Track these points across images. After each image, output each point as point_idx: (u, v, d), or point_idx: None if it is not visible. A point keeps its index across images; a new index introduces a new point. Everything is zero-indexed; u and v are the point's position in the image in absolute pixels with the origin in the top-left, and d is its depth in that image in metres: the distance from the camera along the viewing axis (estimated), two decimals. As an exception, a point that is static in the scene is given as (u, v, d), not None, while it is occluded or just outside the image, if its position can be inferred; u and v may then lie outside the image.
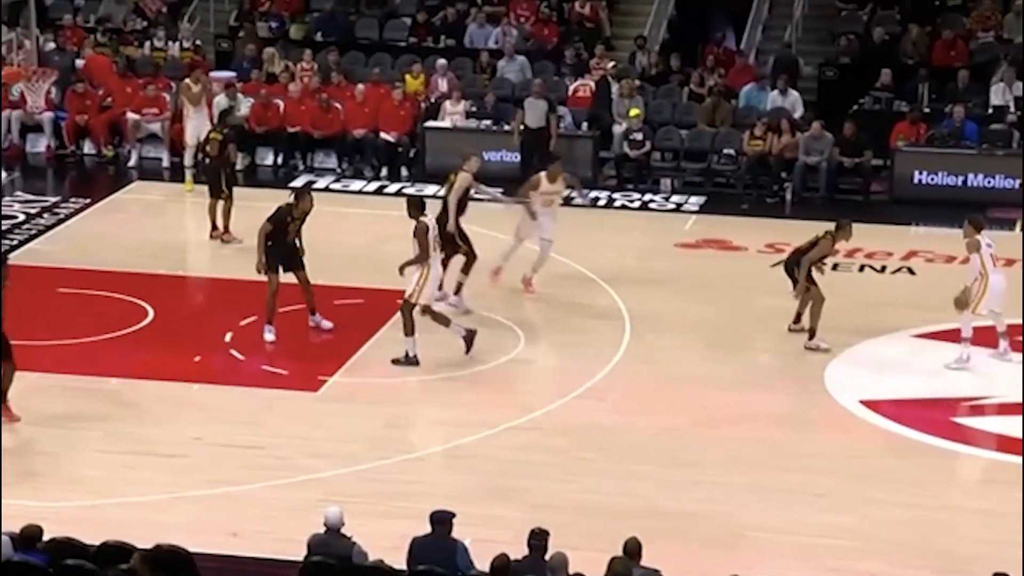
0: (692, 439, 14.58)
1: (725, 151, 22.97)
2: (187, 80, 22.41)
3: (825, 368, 16.03)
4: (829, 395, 15.48)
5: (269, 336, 16.60)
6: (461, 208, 17.39)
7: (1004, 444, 14.42)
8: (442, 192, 17.94)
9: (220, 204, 19.60)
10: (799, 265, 16.48)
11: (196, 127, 21.66)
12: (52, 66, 24.12)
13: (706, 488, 13.54)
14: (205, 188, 19.99)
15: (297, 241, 16.66)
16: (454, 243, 17.12)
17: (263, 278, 16.54)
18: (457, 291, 17.37)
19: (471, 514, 12.13)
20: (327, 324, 16.88)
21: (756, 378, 16.00)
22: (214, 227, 19.65)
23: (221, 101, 22.71)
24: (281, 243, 16.51)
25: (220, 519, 12.83)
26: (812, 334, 16.45)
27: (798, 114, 23.36)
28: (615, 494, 13.42)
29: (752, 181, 22.58)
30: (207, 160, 20.01)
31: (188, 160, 21.99)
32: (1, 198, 21.38)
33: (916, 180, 22.25)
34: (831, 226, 16.69)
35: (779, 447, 14.24)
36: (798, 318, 16.73)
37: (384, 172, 23.18)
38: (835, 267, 19.22)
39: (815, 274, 16.54)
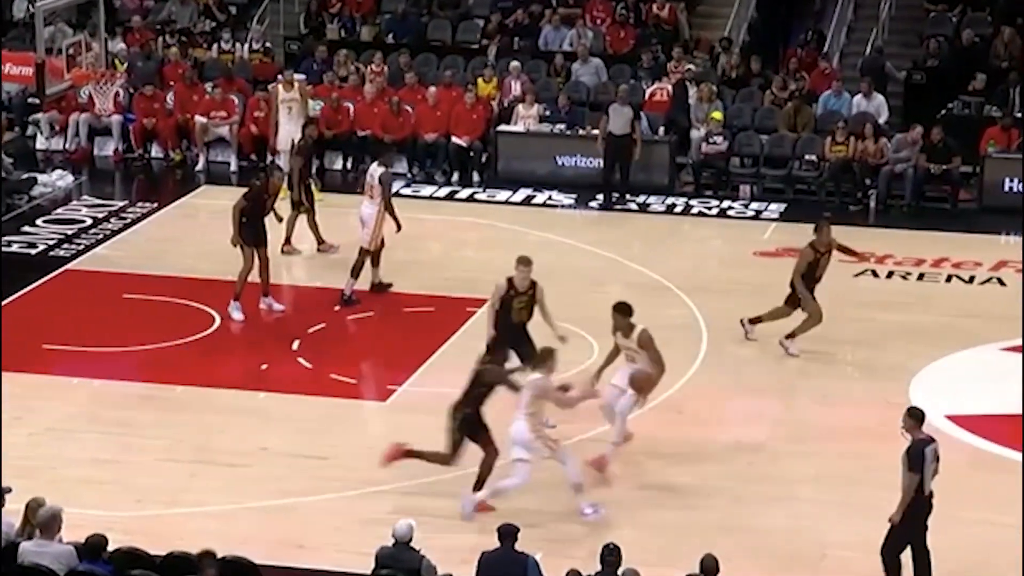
0: (771, 453, 14.50)
1: (807, 157, 22.83)
2: (277, 85, 22.27)
3: (910, 382, 15.90)
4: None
5: (237, 315, 17.25)
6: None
7: (1097, 462, 14.23)
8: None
9: (302, 216, 19.53)
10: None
11: (289, 132, 21.32)
12: (138, 71, 24.40)
13: (785, 504, 13.47)
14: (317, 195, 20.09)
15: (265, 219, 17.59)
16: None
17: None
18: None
19: (543, 528, 12.15)
20: (278, 307, 17.60)
21: (839, 391, 15.89)
22: (287, 240, 19.59)
23: (314, 107, 22.68)
24: (255, 220, 17.35)
25: (286, 530, 12.90)
26: (792, 335, 16.49)
27: (883, 119, 23.17)
28: (691, 509, 13.37)
29: (835, 188, 22.44)
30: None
31: (284, 166, 21.81)
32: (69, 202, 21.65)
33: (1007, 188, 22.00)
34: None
35: (862, 463, 14.12)
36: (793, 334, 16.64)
37: (455, 177, 23.21)
38: (921, 277, 19.09)
39: (800, 287, 16.46)
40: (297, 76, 22.89)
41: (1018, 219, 21.15)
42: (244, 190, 18.13)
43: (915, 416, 11.84)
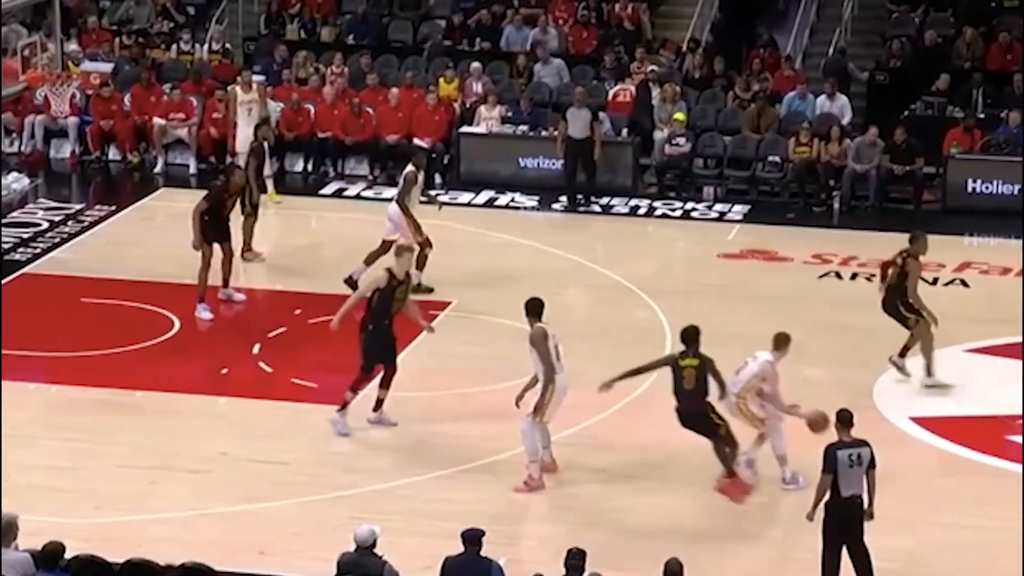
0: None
1: (770, 158, 22.89)
2: (236, 86, 22.18)
3: (875, 384, 15.93)
4: (879, 412, 15.37)
5: (206, 315, 17.38)
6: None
7: (1062, 463, 14.30)
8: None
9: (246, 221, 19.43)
10: (901, 303, 15.85)
11: (248, 134, 21.08)
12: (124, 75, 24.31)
13: (750, 508, 13.46)
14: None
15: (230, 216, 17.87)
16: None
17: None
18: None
19: (506, 533, 12.11)
20: (239, 296, 17.88)
21: (804, 393, 15.88)
22: (246, 245, 19.50)
23: (274, 107, 22.59)
24: (218, 219, 17.55)
25: (247, 537, 12.83)
26: (905, 351, 16.00)
27: (847, 120, 23.25)
28: (655, 513, 13.37)
29: (799, 189, 22.49)
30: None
31: (267, 169, 21.26)
32: (24, 205, 21.52)
33: (970, 189, 22.10)
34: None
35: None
36: (905, 351, 16.07)
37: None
38: (869, 278, 19.13)
39: (917, 301, 15.85)
40: (256, 77, 22.80)
41: (981, 220, 21.27)
42: (204, 192, 18.07)
43: (840, 418, 11.95)
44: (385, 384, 14.91)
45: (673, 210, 22.14)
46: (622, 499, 13.59)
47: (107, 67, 24.55)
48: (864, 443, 11.81)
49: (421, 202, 18.46)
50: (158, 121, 23.63)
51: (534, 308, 13.89)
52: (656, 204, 22.29)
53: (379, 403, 14.95)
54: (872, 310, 17.05)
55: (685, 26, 26.11)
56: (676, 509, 13.44)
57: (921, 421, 15.16)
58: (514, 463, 14.11)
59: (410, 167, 18.42)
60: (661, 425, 14.98)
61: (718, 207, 22.25)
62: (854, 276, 19.27)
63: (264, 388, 15.85)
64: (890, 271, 16.01)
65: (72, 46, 25.15)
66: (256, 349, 16.71)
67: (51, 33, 22.22)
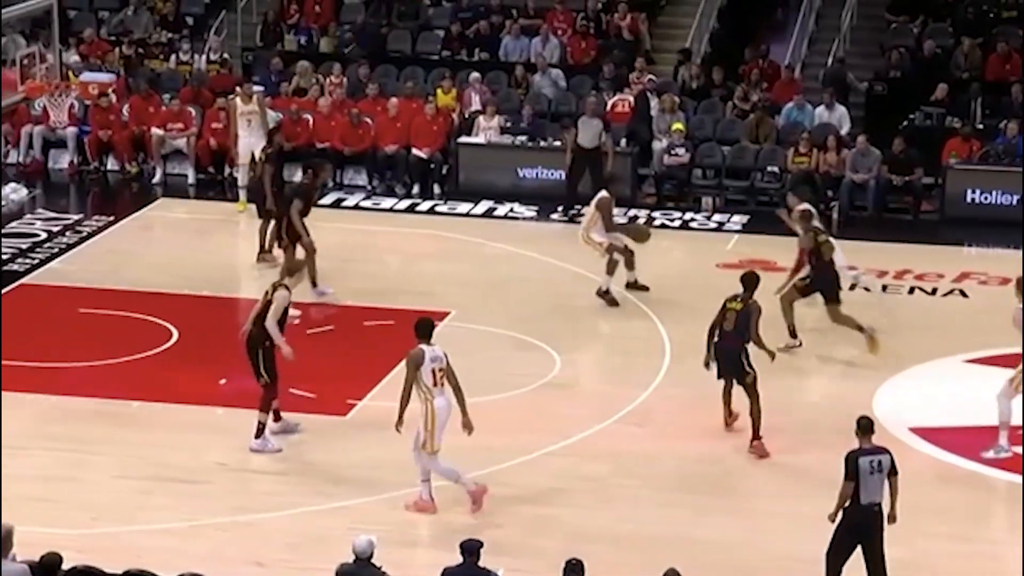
0: (734, 466, 14.50)
1: (769, 168, 22.90)
2: (236, 97, 22.14)
3: (874, 394, 15.93)
4: (878, 422, 15.27)
5: (328, 290, 18.11)
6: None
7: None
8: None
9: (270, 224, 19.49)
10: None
11: (249, 145, 21.27)
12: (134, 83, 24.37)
13: (746, 516, 13.47)
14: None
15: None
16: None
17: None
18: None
19: (505, 543, 12.09)
20: (330, 289, 18.26)
21: (802, 403, 15.92)
22: (262, 248, 19.54)
23: (274, 117, 22.63)
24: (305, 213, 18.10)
25: (244, 548, 12.82)
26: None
27: (845, 130, 23.26)
28: (654, 523, 13.36)
29: (797, 199, 22.47)
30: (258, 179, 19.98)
31: (242, 179, 21.59)
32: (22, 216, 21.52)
33: (969, 199, 22.11)
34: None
35: (824, 475, 14.08)
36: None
37: (416, 189, 23.18)
38: (884, 288, 19.15)
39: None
40: (255, 88, 22.82)
41: (980, 230, 21.28)
42: (293, 193, 18.61)
43: (861, 425, 12.03)
44: (263, 407, 14.64)
45: (672, 220, 22.15)
46: (619, 510, 13.58)
47: (106, 77, 24.57)
48: (884, 450, 11.91)
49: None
50: (156, 131, 23.64)
51: (421, 329, 13.39)
52: (655, 214, 22.30)
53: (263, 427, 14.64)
54: (871, 320, 17.08)
55: (684, 36, 26.13)
56: (675, 519, 13.43)
57: (920, 431, 15.15)
58: (511, 474, 14.11)
59: (602, 193, 18.54)
60: (658, 436, 15.01)
61: (717, 217, 22.26)
62: (852, 286, 19.25)
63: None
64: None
65: (73, 57, 25.17)
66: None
67: (50, 43, 22.21)
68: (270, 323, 14.51)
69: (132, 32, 26.54)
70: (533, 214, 22.12)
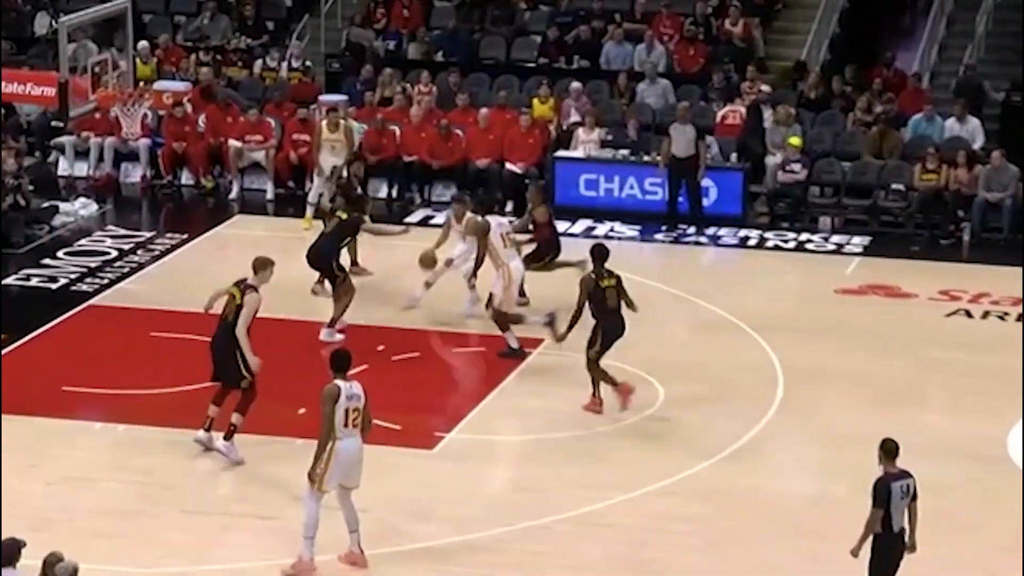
0: (851, 508, 14.34)
1: (893, 186, 22.76)
2: (323, 121, 21.89)
3: (1009, 432, 15.76)
4: (1012, 462, 15.21)
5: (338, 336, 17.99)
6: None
7: None
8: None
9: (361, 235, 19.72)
10: None
11: (331, 163, 21.33)
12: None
13: (863, 563, 13.35)
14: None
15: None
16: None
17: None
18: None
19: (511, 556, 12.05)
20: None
21: (927, 441, 15.76)
22: (354, 263, 19.77)
23: (357, 127, 22.79)
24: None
25: (321, 589, 12.90)
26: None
27: (978, 144, 23.07)
28: (762, 569, 13.30)
29: (924, 220, 22.33)
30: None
31: (312, 195, 21.77)
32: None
33: (1114, 220, 21.87)
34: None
35: (949, 521, 13.97)
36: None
37: (509, 207, 23.26)
38: (1020, 318, 18.95)
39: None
40: (338, 98, 22.92)
41: None
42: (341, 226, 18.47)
43: (886, 449, 11.98)
44: (242, 409, 15.12)
45: (786, 241, 22.07)
46: (725, 554, 13.53)
47: (181, 86, 24.91)
48: (909, 474, 11.91)
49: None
50: (234, 143, 23.91)
51: (337, 362, 13.22)
52: (768, 235, 22.24)
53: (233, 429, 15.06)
54: (1004, 352, 16.91)
55: (801, 42, 26.06)
56: (787, 567, 13.36)
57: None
58: (610, 513, 14.09)
59: None
60: (769, 474, 14.94)
61: (835, 239, 22.16)
62: (985, 315, 19.09)
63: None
64: None
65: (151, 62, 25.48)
66: (335, 388, 16.79)
67: (123, 50, 22.51)
68: (240, 330, 14.60)
69: (209, 38, 26.87)
70: (635, 233, 22.12)
